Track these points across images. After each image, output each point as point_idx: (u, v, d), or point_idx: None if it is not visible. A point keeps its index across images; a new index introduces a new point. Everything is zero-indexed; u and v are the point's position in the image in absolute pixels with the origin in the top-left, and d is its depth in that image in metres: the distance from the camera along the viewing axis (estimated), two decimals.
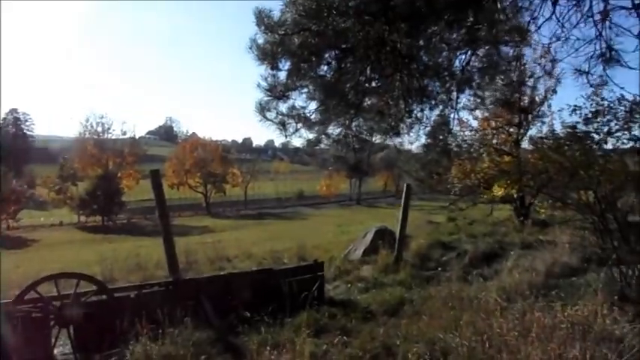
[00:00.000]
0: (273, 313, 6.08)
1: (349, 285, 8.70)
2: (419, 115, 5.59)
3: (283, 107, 4.63)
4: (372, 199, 75.13)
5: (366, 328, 5.91)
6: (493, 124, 14.31)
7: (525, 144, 14.65)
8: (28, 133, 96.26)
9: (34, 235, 40.75)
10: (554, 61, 6.44)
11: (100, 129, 57.52)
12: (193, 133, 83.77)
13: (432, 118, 6.13)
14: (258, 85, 4.37)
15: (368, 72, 4.47)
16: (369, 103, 4.94)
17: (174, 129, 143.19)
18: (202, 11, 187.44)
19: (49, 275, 5.64)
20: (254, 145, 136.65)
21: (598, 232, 6.17)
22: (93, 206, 48.35)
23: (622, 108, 5.75)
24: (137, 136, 65.51)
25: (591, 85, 4.79)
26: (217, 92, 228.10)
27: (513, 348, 4.64)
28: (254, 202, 65.91)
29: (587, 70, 4.45)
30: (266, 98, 4.42)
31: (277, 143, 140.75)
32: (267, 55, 4.12)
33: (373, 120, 5.13)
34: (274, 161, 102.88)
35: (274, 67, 4.22)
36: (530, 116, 14.33)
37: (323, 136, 5.08)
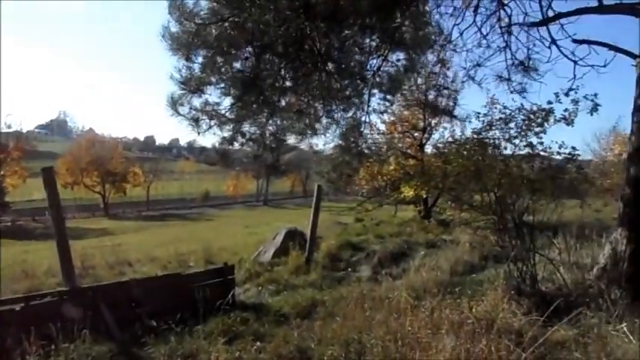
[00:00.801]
0: (182, 320, 5.74)
1: (260, 288, 8.50)
2: (335, 116, 5.60)
3: (197, 102, 4.34)
4: (280, 200, 75.10)
5: (279, 332, 5.76)
6: (399, 128, 14.85)
7: (429, 148, 15.38)
8: None
9: None
10: (478, 65, 6.76)
11: None
12: (90, 128, 78.55)
13: (346, 120, 6.19)
14: (171, 77, 4.06)
15: (286, 70, 4.32)
16: (287, 101, 4.80)
17: (69, 123, 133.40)
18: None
19: None
20: (157, 143, 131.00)
21: (497, 231, 6.53)
22: None
23: (521, 116, 6.11)
24: (24, 130, 59.56)
25: (512, 92, 5.08)
26: (117, 85, 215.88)
27: (425, 345, 4.75)
28: (157, 203, 63.00)
29: (507, 77, 4.71)
30: (179, 92, 4.11)
31: (182, 142, 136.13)
32: (182, 46, 3.83)
33: (292, 119, 5.01)
34: (179, 160, 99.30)
35: (189, 58, 3.93)
36: (434, 122, 15.05)
37: (238, 134, 4.85)
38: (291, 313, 6.69)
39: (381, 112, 6.79)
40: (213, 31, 3.73)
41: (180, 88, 4.11)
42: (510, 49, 5.58)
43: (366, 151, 7.53)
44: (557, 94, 6.17)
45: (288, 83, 4.52)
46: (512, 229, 6.32)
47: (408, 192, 12.68)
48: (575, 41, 6.42)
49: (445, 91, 14.24)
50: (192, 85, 4.07)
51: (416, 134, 15.28)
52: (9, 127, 53.56)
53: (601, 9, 6.18)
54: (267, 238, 17.99)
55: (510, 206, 6.21)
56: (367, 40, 5.74)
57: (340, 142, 6.99)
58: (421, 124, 15.25)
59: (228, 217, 49.15)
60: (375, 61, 6.19)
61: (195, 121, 4.40)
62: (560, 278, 6.38)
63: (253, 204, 69.41)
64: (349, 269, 9.30)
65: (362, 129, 6.45)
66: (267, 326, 6.03)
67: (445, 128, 14.94)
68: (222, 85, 4.22)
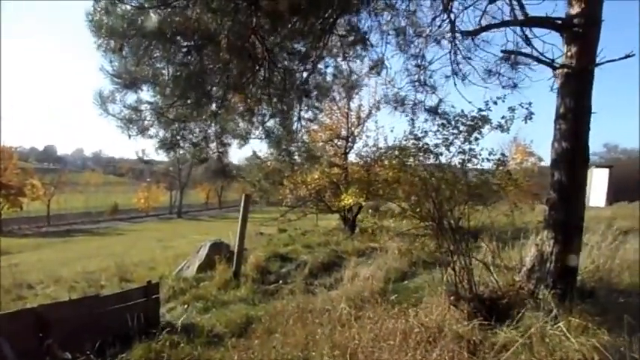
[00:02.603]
0: (102, 350, 5.10)
1: (186, 306, 7.90)
2: (272, 121, 5.30)
3: (131, 100, 3.81)
4: (195, 212, 72.87)
5: (215, 355, 5.31)
6: (323, 136, 14.78)
7: (352, 156, 15.45)
8: None
9: None
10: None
11: None
12: None
13: (281, 126, 5.91)
14: (101, 69, 3.51)
15: (232, 65, 3.94)
16: (231, 101, 4.40)
17: None
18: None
19: None
20: (59, 153, 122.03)
21: (435, 237, 6.53)
22: None
23: (462, 122, 6.16)
24: None
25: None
26: (12, 87, 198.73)
27: (376, 357, 4.55)
28: (60, 218, 58.35)
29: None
30: (111, 87, 3.57)
31: (87, 152, 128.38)
32: (114, 34, 3.31)
33: (233, 121, 4.61)
34: (85, 172, 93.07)
35: (122, 48, 3.42)
36: (357, 130, 15.14)
37: (179, 137, 4.35)
38: (225, 332, 6.24)
39: (311, 120, 6.53)
40: (153, 17, 3.28)
41: (112, 82, 3.58)
42: (455, 56, 5.60)
43: (297, 159, 7.26)
44: (487, 103, 6.30)
45: (232, 80, 4.15)
46: (448, 235, 6.34)
47: (347, 199, 12.59)
48: (503, 52, 6.62)
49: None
50: (127, 79, 3.54)
51: (339, 142, 15.30)
52: None
53: (526, 22, 6.43)
54: (186, 251, 17.22)
55: (448, 212, 6.22)
56: (298, 45, 5.52)
57: (272, 149, 6.67)
58: (344, 132, 15.30)
59: (140, 231, 46.62)
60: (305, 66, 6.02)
61: (129, 122, 3.86)
62: (493, 281, 6.48)
63: (167, 216, 66.65)
64: (280, 281, 8.94)
65: (295, 136, 6.19)
66: (200, 349, 5.54)
67: (368, 137, 15.10)
68: (160, 80, 3.74)
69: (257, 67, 4.09)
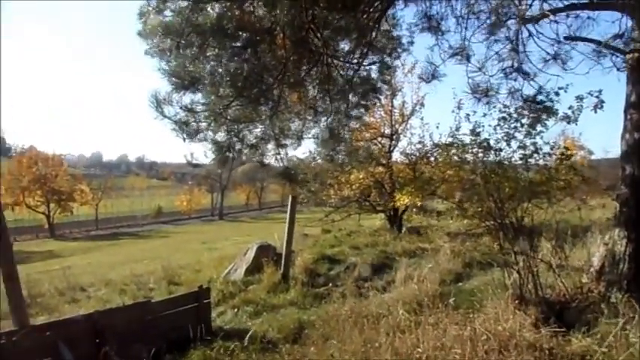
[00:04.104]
0: (157, 356, 5.01)
1: (236, 310, 7.80)
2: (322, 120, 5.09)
3: (186, 101, 3.67)
4: (235, 214, 73.71)
5: None
6: (367, 135, 14.49)
7: (396, 154, 15.10)
8: None
9: None
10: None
11: None
12: (31, 146, 74.01)
13: (330, 126, 5.69)
14: (160, 70, 3.36)
15: (290, 62, 3.73)
16: (287, 99, 4.21)
17: (6, 142, 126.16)
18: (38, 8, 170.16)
19: None
20: (105, 159, 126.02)
21: (496, 237, 6.17)
22: None
23: (525, 114, 5.77)
24: None
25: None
26: (61, 100, 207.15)
27: None
28: (107, 222, 60.23)
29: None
30: (169, 88, 3.42)
31: (132, 157, 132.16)
32: (171, 32, 3.15)
33: (299, 118, 4.40)
34: (129, 176, 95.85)
35: (179, 46, 3.25)
36: (401, 128, 14.79)
37: (236, 138, 4.18)
38: (279, 338, 6.07)
39: (357, 118, 6.26)
40: (210, 12, 3.12)
41: (170, 83, 3.44)
42: (517, 46, 5.19)
43: (346, 158, 7.01)
44: (547, 93, 5.90)
45: (290, 77, 3.95)
46: (511, 234, 5.97)
47: (402, 199, 12.30)
48: (566, 38, 6.18)
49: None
50: (186, 79, 3.37)
51: (382, 141, 14.97)
52: None
53: (592, 5, 5.98)
54: (230, 253, 17.25)
55: (510, 210, 5.86)
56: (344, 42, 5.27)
57: (323, 148, 6.45)
58: (387, 130, 14.97)
59: (183, 233, 47.43)
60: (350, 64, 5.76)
61: (184, 125, 3.72)
62: (560, 283, 6.07)
63: (209, 218, 67.65)
64: (330, 284, 8.73)
65: (345, 135, 5.94)
66: (255, 356, 5.37)
67: (413, 134, 14.70)
68: (217, 79, 3.58)
69: (314, 63, 3.88)
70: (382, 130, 15.01)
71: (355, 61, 5.44)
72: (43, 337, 4.92)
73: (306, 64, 3.89)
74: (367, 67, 6.32)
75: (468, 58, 5.13)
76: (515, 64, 5.30)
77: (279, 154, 4.68)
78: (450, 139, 13.41)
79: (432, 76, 5.02)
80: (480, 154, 6.05)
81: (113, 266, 19.48)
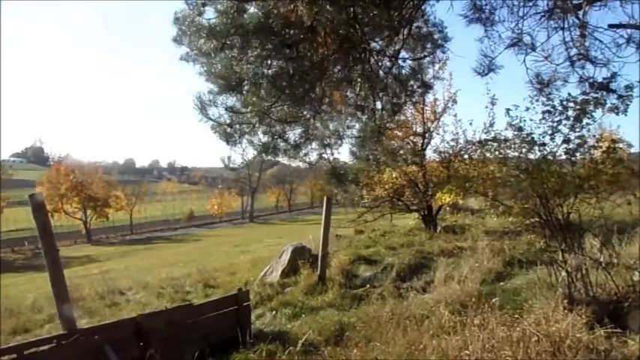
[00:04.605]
0: (201, 359, 5.02)
1: (274, 312, 7.77)
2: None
3: (230, 102, 3.64)
4: (265, 216, 74.34)
5: None
6: (399, 133, 14.31)
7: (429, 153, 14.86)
8: None
9: None
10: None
11: None
12: (68, 154, 76.41)
13: (368, 126, 5.58)
14: (203, 72, 3.33)
15: (333, 60, 3.66)
16: (329, 98, 4.14)
17: (45, 151, 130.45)
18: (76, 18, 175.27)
19: None
20: (137, 165, 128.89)
21: (543, 234, 5.97)
22: None
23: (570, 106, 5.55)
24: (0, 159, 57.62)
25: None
26: (95, 110, 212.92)
27: None
28: (141, 226, 61.69)
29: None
30: (216, 88, 3.38)
31: (163, 163, 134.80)
32: (216, 33, 3.12)
33: (331, 119, 4.33)
34: (161, 182, 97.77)
35: (224, 47, 3.22)
36: (433, 125, 14.56)
37: (279, 139, 4.14)
38: (320, 340, 5.99)
39: (391, 116, 6.12)
40: (255, 10, 3.08)
41: (216, 84, 3.41)
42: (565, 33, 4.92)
43: (382, 157, 6.87)
44: (592, 83, 5.64)
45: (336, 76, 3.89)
46: (558, 231, 5.76)
47: (444, 198, 12.12)
48: (611, 26, 5.91)
49: None
50: (233, 80, 3.33)
51: (414, 139, 14.77)
52: None
53: None
54: (263, 256, 17.32)
55: (556, 207, 5.65)
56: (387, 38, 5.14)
57: (354, 149, 6.35)
58: (419, 128, 14.76)
59: (215, 237, 48.02)
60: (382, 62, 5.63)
61: (228, 126, 3.69)
62: (611, 282, 5.81)
63: (239, 221, 68.46)
64: (367, 285, 8.62)
65: (381, 135, 5.82)
66: (297, 359, 5.32)
67: (446, 131, 14.43)
68: (261, 79, 3.53)
69: (358, 61, 3.80)
70: (414, 129, 14.80)
71: (399, 56, 5.30)
72: (91, 341, 4.99)
73: (349, 61, 3.81)
74: (412, 63, 6.15)
75: (534, 48, 4.81)
76: (582, 51, 4.94)
77: (324, 153, 4.61)
78: (485, 136, 13.19)
79: (488, 68, 4.80)
80: (524, 150, 5.86)
81: (149, 270, 19.80)
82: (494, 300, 6.04)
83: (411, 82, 5.86)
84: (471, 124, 13.73)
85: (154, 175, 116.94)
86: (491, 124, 13.23)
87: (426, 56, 4.97)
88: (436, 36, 6.12)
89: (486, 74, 4.81)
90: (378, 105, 4.74)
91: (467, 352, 4.50)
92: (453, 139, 13.80)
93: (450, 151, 13.75)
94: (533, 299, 5.90)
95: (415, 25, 6.07)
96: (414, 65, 6.68)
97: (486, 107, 7.73)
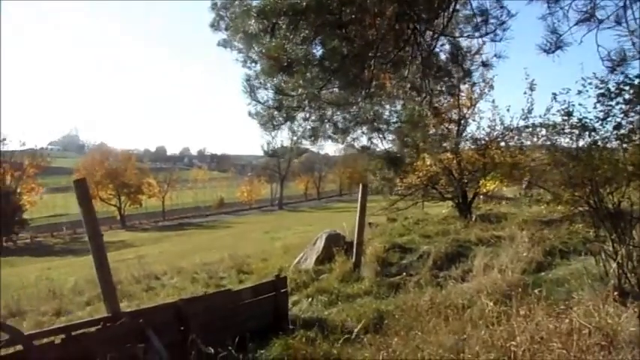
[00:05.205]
0: (240, 344, 5.02)
1: (310, 299, 7.76)
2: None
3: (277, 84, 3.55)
4: (294, 204, 74.75)
5: (355, 353, 5.02)
6: (433, 120, 13.99)
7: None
8: None
9: None
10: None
11: None
12: (102, 142, 78.30)
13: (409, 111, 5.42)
14: (240, 59, 3.27)
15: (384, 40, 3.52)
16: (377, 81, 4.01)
17: (80, 139, 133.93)
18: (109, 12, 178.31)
19: None
20: (168, 153, 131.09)
21: (592, 224, 5.75)
22: None
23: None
24: (38, 147, 59.34)
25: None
26: (127, 99, 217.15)
27: None
28: (173, 213, 62.97)
29: None
30: (267, 68, 3.29)
31: (193, 151, 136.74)
32: (264, 13, 3.03)
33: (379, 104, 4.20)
34: (192, 169, 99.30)
35: (274, 27, 3.12)
36: (469, 112, 14.22)
37: (328, 123, 4.05)
38: (358, 327, 5.93)
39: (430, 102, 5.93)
40: None
41: (266, 66, 3.33)
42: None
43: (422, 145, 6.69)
44: None
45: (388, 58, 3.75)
46: (608, 220, 5.53)
47: (489, 185, 11.89)
48: None
49: None
50: (285, 60, 3.23)
51: (450, 126, 14.44)
52: (23, 144, 53.67)
53: None
54: (294, 243, 17.37)
55: (607, 195, 5.42)
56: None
57: (394, 136, 6.19)
58: (455, 115, 14.41)
59: (245, 224, 48.57)
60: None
61: (276, 109, 3.62)
62: None
63: (268, 209, 69.06)
64: (404, 273, 8.52)
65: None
66: (337, 345, 5.28)
67: (482, 118, 14.04)
68: (311, 61, 3.43)
69: (412, 42, 3.66)
70: (449, 115, 14.47)
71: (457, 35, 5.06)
72: (135, 324, 5.06)
73: (402, 41, 3.67)
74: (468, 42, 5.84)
75: (619, 22, 4.41)
76: None
77: (374, 138, 4.49)
78: (523, 122, 12.79)
79: (555, 46, 4.53)
80: (574, 136, 5.62)
81: (183, 255, 20.14)
82: (536, 291, 5.88)
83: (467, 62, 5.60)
84: (508, 110, 13.28)
85: (185, 163, 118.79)
86: (530, 111, 12.95)
87: (487, 33, 4.73)
88: (495, 13, 5.82)
89: (553, 52, 4.55)
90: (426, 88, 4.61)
91: (513, 343, 4.36)
92: (489, 126, 13.44)
93: (487, 138, 13.41)
94: (579, 291, 5.72)
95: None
96: (471, 44, 6.39)
97: (525, 93, 7.47)
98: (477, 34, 4.28)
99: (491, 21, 4.27)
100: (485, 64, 4.51)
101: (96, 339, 4.71)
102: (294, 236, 24.71)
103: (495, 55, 4.53)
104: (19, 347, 4.44)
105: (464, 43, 4.83)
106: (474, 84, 13.28)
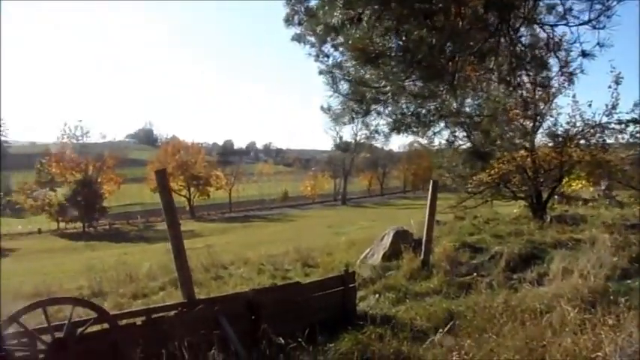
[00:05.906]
0: (311, 337, 5.04)
1: (377, 296, 7.69)
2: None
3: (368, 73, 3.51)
4: (357, 199, 74.70)
5: (426, 353, 4.90)
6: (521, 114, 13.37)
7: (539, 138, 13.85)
8: (3, 138, 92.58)
9: (11, 244, 38.75)
10: None
11: (78, 133, 55.39)
12: (174, 135, 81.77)
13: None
14: (313, 53, 3.26)
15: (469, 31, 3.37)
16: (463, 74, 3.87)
17: (154, 132, 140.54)
18: (179, 15, 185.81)
19: (35, 302, 4.41)
20: (235, 147, 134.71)
21: None
22: (73, 212, 46.70)
23: None
24: (117, 140, 63.27)
25: None
26: (197, 95, 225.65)
27: None
28: (239, 205, 64.87)
29: None
30: (354, 59, 3.26)
31: (259, 145, 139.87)
32: (352, 3, 2.99)
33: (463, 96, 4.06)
34: (257, 163, 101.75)
35: (360, 18, 3.08)
36: (545, 107, 13.49)
37: (412, 116, 3.96)
38: (428, 327, 5.80)
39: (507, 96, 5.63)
40: None
41: (351, 56, 3.30)
42: None
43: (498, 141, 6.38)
44: None
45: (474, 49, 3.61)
46: None
47: (577, 184, 11.36)
48: None
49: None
50: (372, 51, 3.18)
51: (525, 123, 13.77)
52: (103, 137, 57.27)
53: None
54: (358, 238, 17.30)
55: None
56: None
57: (468, 131, 5.95)
58: (529, 111, 13.72)
59: (309, 218, 49.14)
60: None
61: (358, 103, 3.58)
62: None
63: (331, 203, 69.51)
64: (475, 274, 8.25)
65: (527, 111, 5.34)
66: (407, 344, 5.18)
67: (560, 113, 13.28)
68: (395, 52, 3.36)
69: (500, 32, 3.49)
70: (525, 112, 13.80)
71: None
72: (210, 311, 5.22)
73: (491, 31, 3.51)
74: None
75: None
76: None
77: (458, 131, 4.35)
78: (606, 119, 12.01)
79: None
80: None
81: (248, 246, 20.62)
82: (624, 299, 5.50)
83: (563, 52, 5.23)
84: (589, 105, 12.48)
85: (251, 157, 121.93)
86: (614, 106, 12.11)
87: (589, 20, 4.36)
88: None
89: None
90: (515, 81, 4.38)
91: (599, 354, 4.09)
92: (567, 122, 12.71)
93: (565, 135, 12.69)
94: None
95: None
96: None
97: (609, 87, 6.93)
98: (576, 21, 3.98)
99: (596, 7, 3.94)
100: (585, 54, 4.19)
101: (174, 323, 4.89)
102: (358, 231, 24.67)
103: (598, 44, 4.17)
104: (105, 325, 4.70)
105: (559, 31, 4.51)
106: (570, 74, 12.59)
